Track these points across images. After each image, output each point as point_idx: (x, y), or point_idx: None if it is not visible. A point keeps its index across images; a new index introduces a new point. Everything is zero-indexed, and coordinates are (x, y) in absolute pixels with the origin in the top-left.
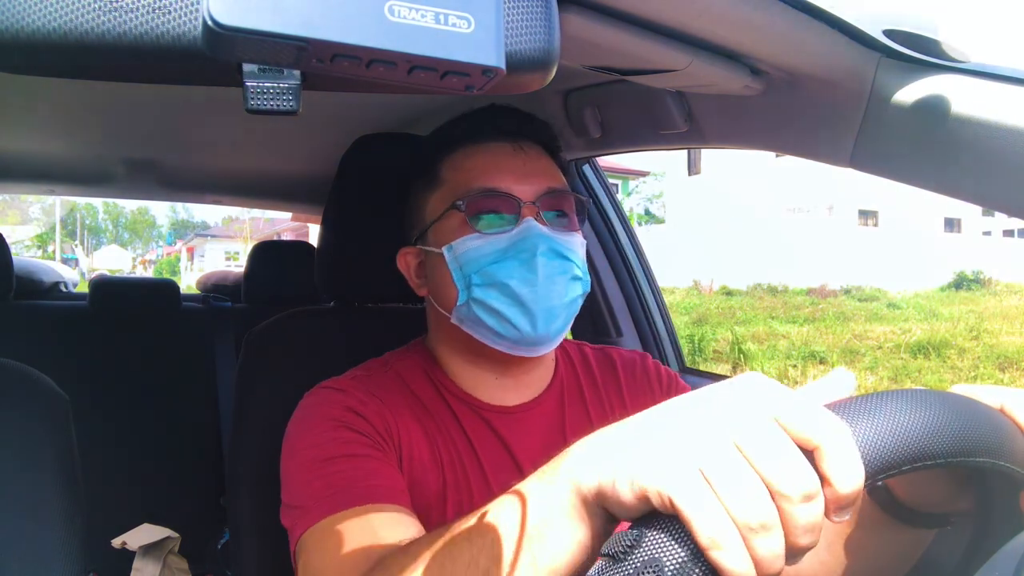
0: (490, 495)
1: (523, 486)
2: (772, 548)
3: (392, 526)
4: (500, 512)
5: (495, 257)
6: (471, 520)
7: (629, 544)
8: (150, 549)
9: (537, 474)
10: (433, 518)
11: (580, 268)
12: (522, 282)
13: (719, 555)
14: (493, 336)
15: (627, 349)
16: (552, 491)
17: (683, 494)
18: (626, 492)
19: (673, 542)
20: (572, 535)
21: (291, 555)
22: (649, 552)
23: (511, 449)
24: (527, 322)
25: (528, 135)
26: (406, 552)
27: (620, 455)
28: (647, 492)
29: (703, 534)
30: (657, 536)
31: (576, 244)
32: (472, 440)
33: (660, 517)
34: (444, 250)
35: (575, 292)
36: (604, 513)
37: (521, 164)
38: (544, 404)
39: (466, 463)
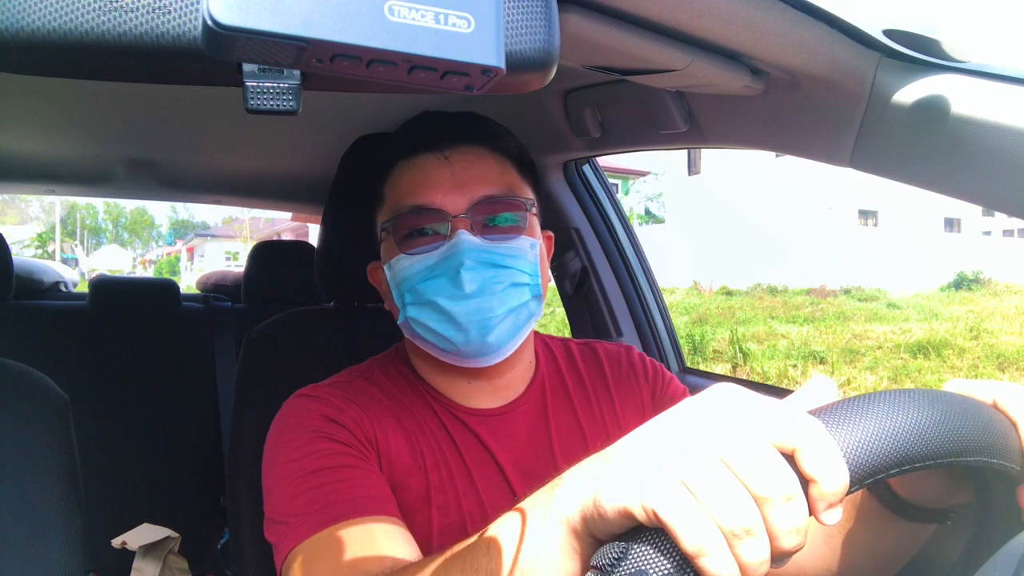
0: (477, 497)
1: (515, 521)
2: (757, 553)
3: (380, 537)
4: (493, 549)
5: (424, 275)
6: (466, 550)
7: (616, 557)
8: (150, 549)
9: (530, 504)
10: (417, 521)
11: (525, 272)
12: (449, 298)
13: (705, 562)
14: (437, 350)
15: (611, 343)
16: (544, 527)
17: (666, 504)
18: (607, 509)
19: (659, 553)
20: (564, 568)
21: (277, 571)
22: (635, 564)
23: (493, 454)
24: (461, 336)
25: (465, 138)
26: None
27: (601, 476)
28: (630, 507)
29: (688, 542)
30: (643, 548)
31: (517, 249)
32: (457, 442)
33: (645, 531)
34: (385, 268)
35: (518, 299)
36: (594, 541)
37: (450, 176)
38: (525, 406)
39: (452, 465)
